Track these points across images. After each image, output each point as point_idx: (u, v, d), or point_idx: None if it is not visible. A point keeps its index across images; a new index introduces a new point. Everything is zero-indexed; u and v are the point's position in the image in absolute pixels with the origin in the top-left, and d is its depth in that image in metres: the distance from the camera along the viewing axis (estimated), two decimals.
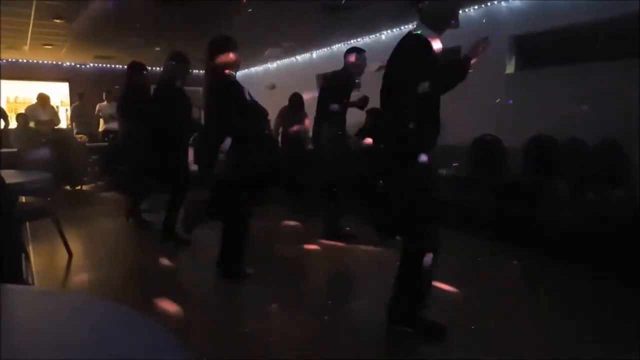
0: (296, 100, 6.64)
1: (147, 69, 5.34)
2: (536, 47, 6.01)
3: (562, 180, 4.59)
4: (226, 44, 3.40)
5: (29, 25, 7.22)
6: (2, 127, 8.25)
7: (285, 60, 10.88)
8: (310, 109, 5.10)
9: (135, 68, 5.24)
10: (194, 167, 4.49)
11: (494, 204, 4.87)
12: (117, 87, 6.93)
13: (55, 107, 10.27)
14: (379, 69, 3.18)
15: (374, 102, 3.78)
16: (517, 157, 5.48)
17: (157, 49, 8.15)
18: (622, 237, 3.53)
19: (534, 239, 4.12)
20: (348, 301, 3.27)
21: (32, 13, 6.46)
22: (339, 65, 4.71)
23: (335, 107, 4.41)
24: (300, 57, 10.50)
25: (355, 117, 5.35)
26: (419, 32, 2.52)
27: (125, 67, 5.40)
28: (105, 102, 9.62)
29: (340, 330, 2.71)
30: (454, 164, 5.53)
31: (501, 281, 3.51)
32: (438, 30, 2.53)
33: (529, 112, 5.64)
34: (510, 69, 6.20)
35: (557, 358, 2.39)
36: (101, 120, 9.71)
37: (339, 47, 9.23)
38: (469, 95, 6.46)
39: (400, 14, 6.66)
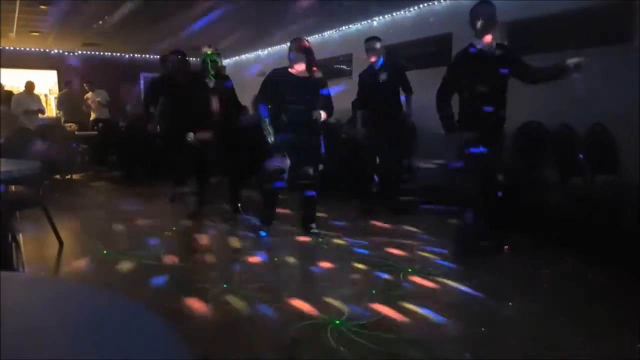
0: None
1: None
2: (528, 34, 6.01)
3: (552, 167, 4.63)
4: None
5: (15, 12, 7.09)
6: None
7: (276, 47, 10.80)
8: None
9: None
10: None
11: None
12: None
13: (44, 96, 10.14)
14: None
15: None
16: (508, 144, 5.49)
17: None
18: (610, 221, 3.58)
19: (525, 226, 4.18)
20: None
21: None
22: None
23: None
24: None
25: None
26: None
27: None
28: (89, 92, 9.57)
29: None
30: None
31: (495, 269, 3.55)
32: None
33: (520, 99, 5.65)
34: None
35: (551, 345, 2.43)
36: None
37: (330, 34, 9.19)
38: None
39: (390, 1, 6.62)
